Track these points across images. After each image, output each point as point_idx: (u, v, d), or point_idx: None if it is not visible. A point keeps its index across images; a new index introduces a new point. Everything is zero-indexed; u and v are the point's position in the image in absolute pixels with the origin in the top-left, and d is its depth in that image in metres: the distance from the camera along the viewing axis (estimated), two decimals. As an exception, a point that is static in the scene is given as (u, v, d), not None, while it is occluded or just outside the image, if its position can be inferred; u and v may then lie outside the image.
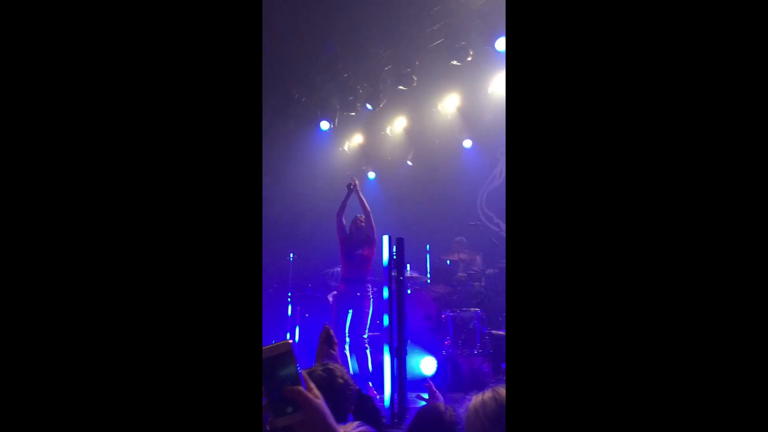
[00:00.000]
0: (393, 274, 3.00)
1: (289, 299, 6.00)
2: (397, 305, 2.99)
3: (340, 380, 1.66)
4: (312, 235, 6.50)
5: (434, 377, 4.74)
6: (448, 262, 5.85)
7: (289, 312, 5.99)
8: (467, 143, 6.90)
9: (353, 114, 6.52)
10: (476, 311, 4.66)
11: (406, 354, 3.05)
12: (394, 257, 3.12)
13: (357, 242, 4.15)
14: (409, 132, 7.22)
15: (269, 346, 0.84)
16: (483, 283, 5.36)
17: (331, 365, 1.66)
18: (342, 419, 1.60)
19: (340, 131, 7.27)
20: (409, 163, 7.37)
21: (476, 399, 1.20)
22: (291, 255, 6.24)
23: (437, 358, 4.66)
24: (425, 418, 1.48)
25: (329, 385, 1.61)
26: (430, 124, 6.97)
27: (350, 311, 4.15)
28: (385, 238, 3.15)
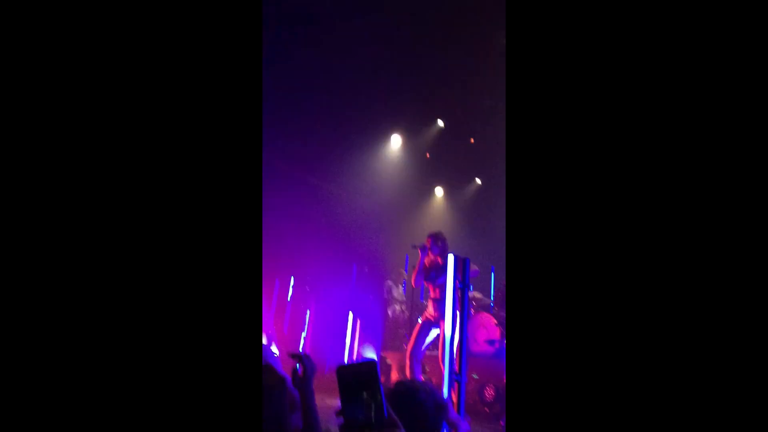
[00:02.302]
0: (458, 285, 2.89)
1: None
2: (460, 329, 2.87)
3: (423, 393, 1.59)
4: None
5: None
6: None
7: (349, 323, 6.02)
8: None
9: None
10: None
11: (465, 381, 2.90)
12: (459, 278, 3.01)
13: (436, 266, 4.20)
14: (478, 148, 7.04)
15: (352, 364, 0.82)
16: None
17: (410, 381, 1.60)
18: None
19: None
20: (478, 181, 7.19)
21: None
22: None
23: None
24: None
25: (411, 398, 1.55)
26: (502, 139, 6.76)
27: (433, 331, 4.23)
28: (450, 257, 3.05)
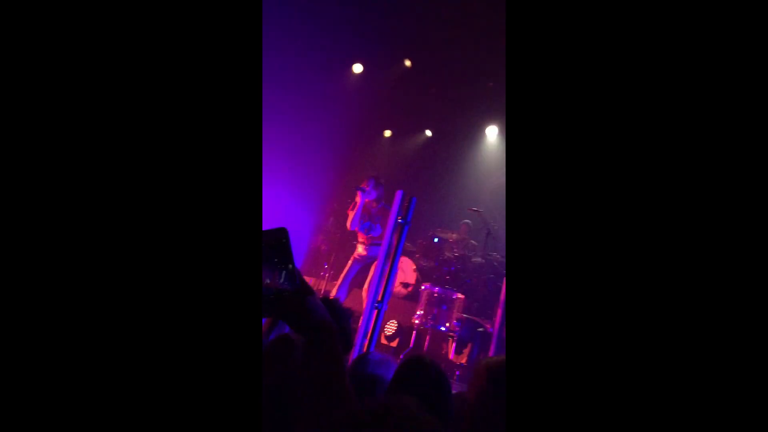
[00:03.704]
0: (399, 220, 2.96)
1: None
2: (393, 259, 2.98)
3: (338, 305, 1.64)
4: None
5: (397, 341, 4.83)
6: (435, 239, 5.85)
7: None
8: (492, 129, 6.79)
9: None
10: (453, 291, 4.69)
11: (385, 309, 3.05)
12: (402, 214, 3.08)
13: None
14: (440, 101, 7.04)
15: (262, 231, 0.79)
16: (464, 267, 5.39)
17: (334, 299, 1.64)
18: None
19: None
20: (428, 132, 7.24)
21: (485, 360, 1.20)
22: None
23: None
24: (411, 367, 1.46)
25: (330, 306, 1.60)
26: (460, 97, 6.80)
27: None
28: (398, 193, 3.10)
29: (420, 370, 1.44)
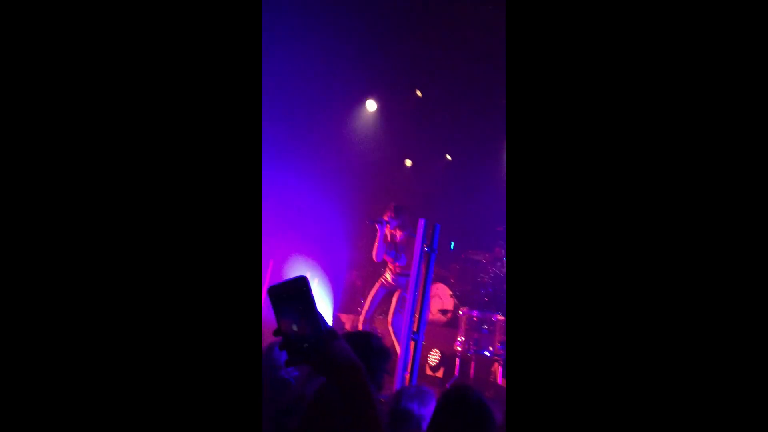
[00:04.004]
0: (426, 249, 2.95)
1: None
2: (423, 288, 2.95)
3: (376, 344, 1.63)
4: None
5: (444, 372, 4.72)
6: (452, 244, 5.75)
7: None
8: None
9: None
10: (493, 313, 4.58)
11: (422, 341, 3.00)
12: (427, 243, 3.07)
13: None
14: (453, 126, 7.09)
15: (282, 282, 0.81)
16: (501, 287, 5.27)
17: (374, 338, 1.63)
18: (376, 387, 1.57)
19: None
20: (448, 157, 7.27)
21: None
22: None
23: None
24: (451, 400, 1.43)
25: (364, 345, 1.58)
26: (476, 117, 6.83)
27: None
28: (421, 221, 3.10)
29: (460, 403, 1.40)
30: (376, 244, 4.33)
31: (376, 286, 4.56)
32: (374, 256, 4.42)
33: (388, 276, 4.52)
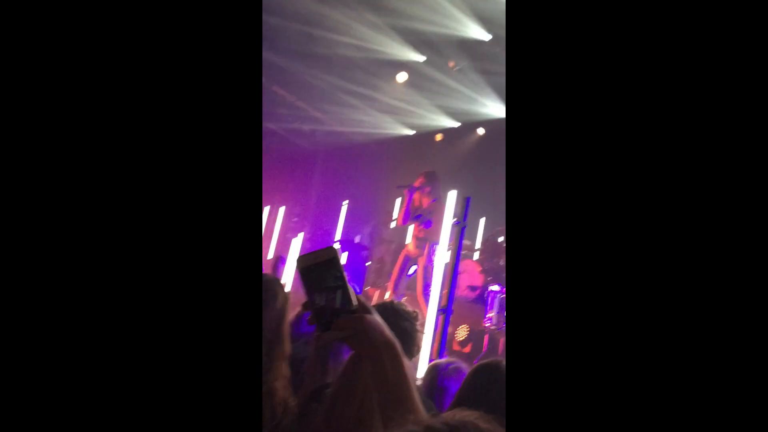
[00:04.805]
0: (455, 221, 2.89)
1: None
2: (453, 262, 2.90)
3: (407, 321, 1.60)
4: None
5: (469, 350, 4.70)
6: (500, 238, 5.65)
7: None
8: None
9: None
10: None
11: (450, 314, 2.97)
12: (457, 216, 3.00)
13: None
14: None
15: (311, 252, 0.76)
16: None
17: (397, 303, 1.60)
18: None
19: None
20: (480, 131, 7.08)
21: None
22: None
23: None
24: (483, 373, 1.38)
25: (392, 311, 1.55)
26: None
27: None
28: (453, 193, 3.03)
29: (488, 378, 1.36)
30: (403, 208, 4.29)
31: (401, 258, 4.54)
32: (399, 220, 4.39)
33: (411, 246, 4.49)
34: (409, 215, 4.30)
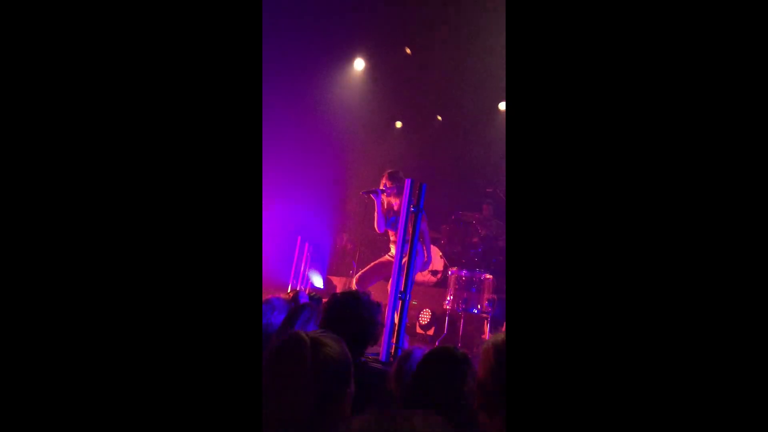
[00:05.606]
0: (412, 209, 2.94)
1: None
2: (411, 248, 2.96)
3: (365, 298, 1.65)
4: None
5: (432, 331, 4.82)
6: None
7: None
8: (503, 105, 6.63)
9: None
10: (482, 272, 4.63)
11: (409, 299, 3.03)
12: (413, 203, 3.05)
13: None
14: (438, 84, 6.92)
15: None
16: (490, 247, 5.31)
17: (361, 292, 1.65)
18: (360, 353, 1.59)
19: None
20: (439, 118, 7.15)
21: (493, 337, 1.18)
22: None
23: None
24: (436, 355, 1.45)
25: (355, 301, 1.59)
26: (465, 78, 6.67)
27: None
28: (407, 181, 3.07)
29: (441, 362, 1.42)
30: (376, 215, 4.22)
31: (382, 259, 4.46)
32: (376, 227, 4.30)
33: (393, 250, 4.43)
34: (383, 220, 4.24)
